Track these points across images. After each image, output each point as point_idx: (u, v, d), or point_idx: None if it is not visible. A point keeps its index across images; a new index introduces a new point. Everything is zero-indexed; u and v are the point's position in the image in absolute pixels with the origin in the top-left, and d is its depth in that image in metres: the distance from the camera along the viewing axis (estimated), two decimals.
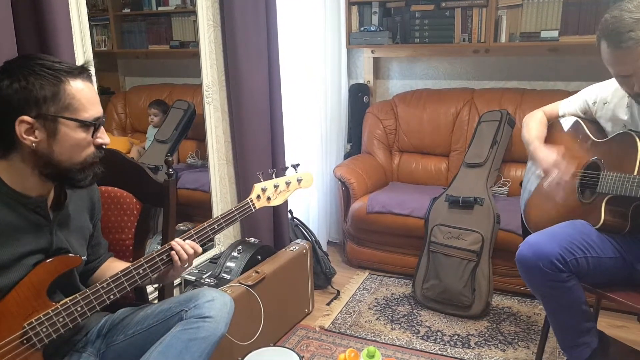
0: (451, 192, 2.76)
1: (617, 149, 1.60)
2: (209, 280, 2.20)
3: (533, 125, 1.88)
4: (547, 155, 1.74)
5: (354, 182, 3.03)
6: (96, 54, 1.93)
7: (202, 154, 3.60)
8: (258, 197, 1.48)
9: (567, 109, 1.88)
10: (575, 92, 3.00)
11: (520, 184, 2.04)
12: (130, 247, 1.58)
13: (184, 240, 1.35)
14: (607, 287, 1.60)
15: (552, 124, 1.93)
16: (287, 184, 1.55)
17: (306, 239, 2.84)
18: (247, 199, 1.47)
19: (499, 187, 3.05)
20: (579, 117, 1.83)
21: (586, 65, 3.14)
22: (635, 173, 1.47)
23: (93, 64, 1.18)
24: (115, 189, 1.59)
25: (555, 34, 2.97)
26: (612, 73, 1.51)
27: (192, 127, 3.51)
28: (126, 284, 1.22)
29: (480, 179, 2.78)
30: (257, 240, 2.48)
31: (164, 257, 1.29)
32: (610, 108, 1.70)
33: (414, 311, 2.65)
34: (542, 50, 3.14)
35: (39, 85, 1.10)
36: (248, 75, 2.42)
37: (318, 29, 3.09)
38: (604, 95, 1.73)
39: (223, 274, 2.26)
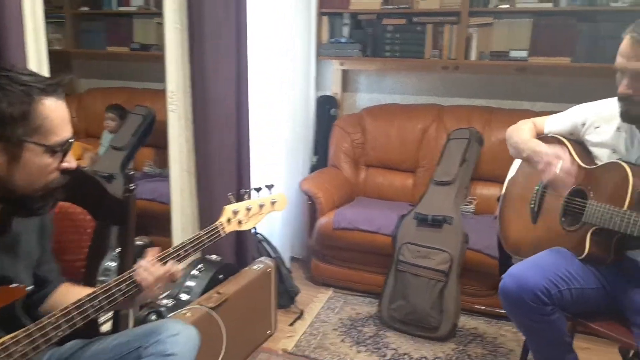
0: (420, 210, 2.71)
1: (606, 179, 1.54)
2: (166, 302, 2.05)
3: (523, 129, 1.81)
4: (549, 148, 1.65)
5: (321, 197, 2.94)
6: (49, 53, 1.76)
7: (161, 162, 3.44)
8: (228, 220, 1.36)
9: (554, 127, 1.81)
10: (542, 112, 3.06)
11: (498, 199, 1.99)
12: (82, 270, 1.42)
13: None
14: (589, 317, 1.56)
15: None
16: (261, 206, 1.44)
17: (270, 256, 2.72)
18: (217, 222, 1.34)
19: (465, 205, 3.03)
20: (565, 137, 1.76)
21: (552, 86, 3.18)
22: (625, 208, 1.41)
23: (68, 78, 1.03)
24: (67, 204, 1.44)
25: (524, 54, 2.99)
26: (616, 62, 1.45)
27: (151, 134, 3.35)
28: (78, 319, 1.07)
29: (449, 197, 2.74)
30: (219, 258, 2.35)
31: (123, 288, 1.15)
32: (600, 131, 1.65)
33: (380, 332, 2.57)
34: (510, 70, 3.16)
35: (7, 102, 0.95)
36: (215, 83, 2.29)
37: (288, 37, 3.00)
38: (595, 118, 1.67)
39: (182, 295, 2.11)
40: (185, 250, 1.26)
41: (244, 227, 1.41)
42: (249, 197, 1.45)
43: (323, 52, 3.38)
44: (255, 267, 2.38)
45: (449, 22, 3.10)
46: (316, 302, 2.87)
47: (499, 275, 2.00)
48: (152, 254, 1.21)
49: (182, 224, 2.50)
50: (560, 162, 1.57)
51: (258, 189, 1.50)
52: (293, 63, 3.09)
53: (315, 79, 3.47)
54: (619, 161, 1.50)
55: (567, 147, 1.69)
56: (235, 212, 1.38)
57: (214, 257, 2.34)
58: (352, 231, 2.81)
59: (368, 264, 2.89)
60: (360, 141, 3.37)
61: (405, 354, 2.39)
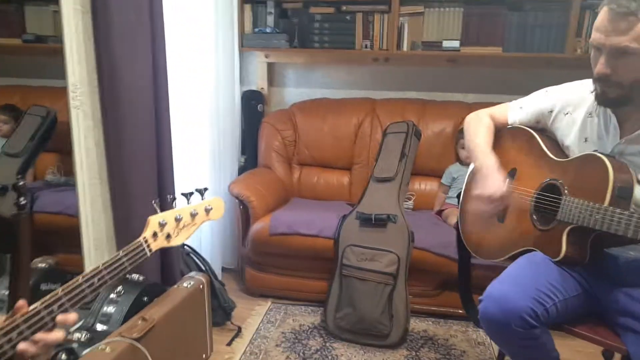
0: (362, 209, 2.53)
1: (582, 172, 1.39)
2: (78, 335, 1.70)
3: (481, 132, 1.65)
4: (498, 185, 1.53)
5: (254, 201, 2.68)
6: None
7: (66, 169, 3.01)
8: (154, 234, 1.08)
9: (518, 117, 1.67)
10: (474, 104, 3.00)
11: (458, 196, 1.83)
12: None
13: (46, 305, 0.91)
14: (571, 322, 1.44)
15: (499, 133, 1.71)
16: (193, 215, 1.17)
17: (200, 269, 2.43)
18: (140, 238, 1.05)
19: (404, 201, 2.90)
20: (531, 127, 1.63)
21: (483, 77, 3.14)
22: (606, 204, 1.27)
23: None
24: None
25: (456, 44, 2.91)
26: (592, 38, 1.32)
27: (52, 137, 2.93)
28: None
29: (392, 194, 2.59)
30: (141, 277, 2.02)
31: (14, 337, 0.85)
32: (569, 118, 1.51)
33: (327, 344, 2.37)
34: (441, 61, 3.08)
35: None
36: (128, 74, 1.97)
37: (208, 26, 2.71)
38: (563, 103, 1.54)
39: (98, 325, 1.77)
40: (100, 279, 0.97)
41: (174, 243, 1.14)
42: (177, 205, 1.18)
43: (247, 42, 3.12)
44: (185, 284, 2.08)
45: (379, 11, 2.96)
46: (254, 315, 2.61)
47: (458, 276, 1.88)
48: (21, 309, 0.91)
49: (95, 239, 2.15)
50: (487, 205, 1.56)
51: (189, 194, 1.23)
52: (216, 54, 2.81)
53: (240, 72, 3.21)
54: (595, 153, 1.36)
55: (536, 140, 1.57)
56: (162, 225, 1.10)
57: (135, 276, 2.01)
58: (291, 236, 2.57)
59: (309, 271, 2.67)
60: (291, 139, 3.16)
61: None
